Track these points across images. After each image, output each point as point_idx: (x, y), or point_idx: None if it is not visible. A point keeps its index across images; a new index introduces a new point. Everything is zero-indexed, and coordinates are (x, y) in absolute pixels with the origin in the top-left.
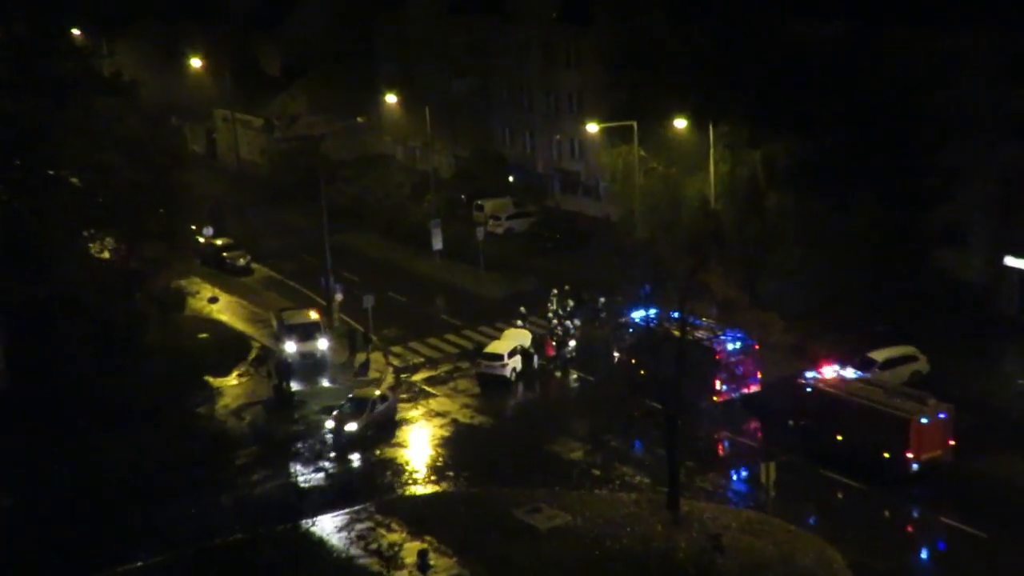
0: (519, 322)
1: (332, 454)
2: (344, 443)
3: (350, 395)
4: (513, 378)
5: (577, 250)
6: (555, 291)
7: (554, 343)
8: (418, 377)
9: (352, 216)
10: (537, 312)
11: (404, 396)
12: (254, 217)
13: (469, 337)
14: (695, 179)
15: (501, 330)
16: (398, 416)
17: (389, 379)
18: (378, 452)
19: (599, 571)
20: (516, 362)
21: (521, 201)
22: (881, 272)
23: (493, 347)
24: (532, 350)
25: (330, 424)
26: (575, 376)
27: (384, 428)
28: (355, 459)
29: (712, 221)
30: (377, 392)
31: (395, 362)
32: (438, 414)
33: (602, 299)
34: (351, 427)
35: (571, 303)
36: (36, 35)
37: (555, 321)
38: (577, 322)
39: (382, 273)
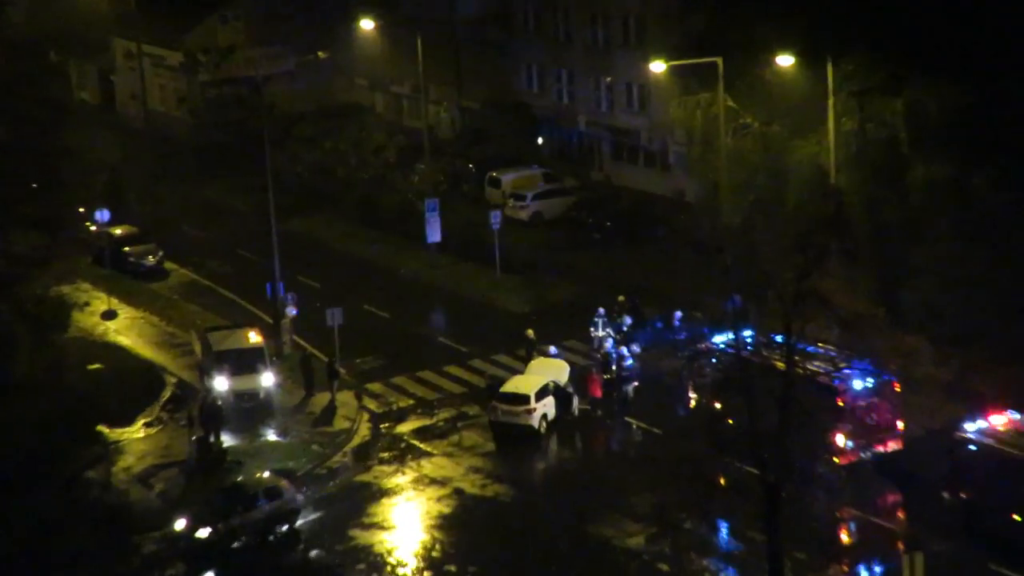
0: (551, 348)
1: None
2: (190, 554)
3: (234, 481)
4: (543, 429)
5: (636, 244)
6: (602, 309)
7: (604, 378)
8: (406, 427)
9: (312, 194)
10: (578, 334)
11: (385, 455)
12: (169, 195)
13: (479, 369)
14: (807, 141)
15: (526, 360)
16: (377, 485)
17: (364, 431)
18: (349, 536)
19: None
20: (548, 406)
21: (555, 173)
22: None
23: (515, 385)
24: (571, 389)
25: (180, 524)
26: (634, 426)
27: (271, 534)
28: (316, 547)
29: (832, 202)
30: (284, 482)
31: (372, 406)
32: (434, 481)
33: (678, 313)
34: (203, 532)
35: (627, 321)
36: None
37: (605, 347)
38: (636, 348)
39: (355, 276)
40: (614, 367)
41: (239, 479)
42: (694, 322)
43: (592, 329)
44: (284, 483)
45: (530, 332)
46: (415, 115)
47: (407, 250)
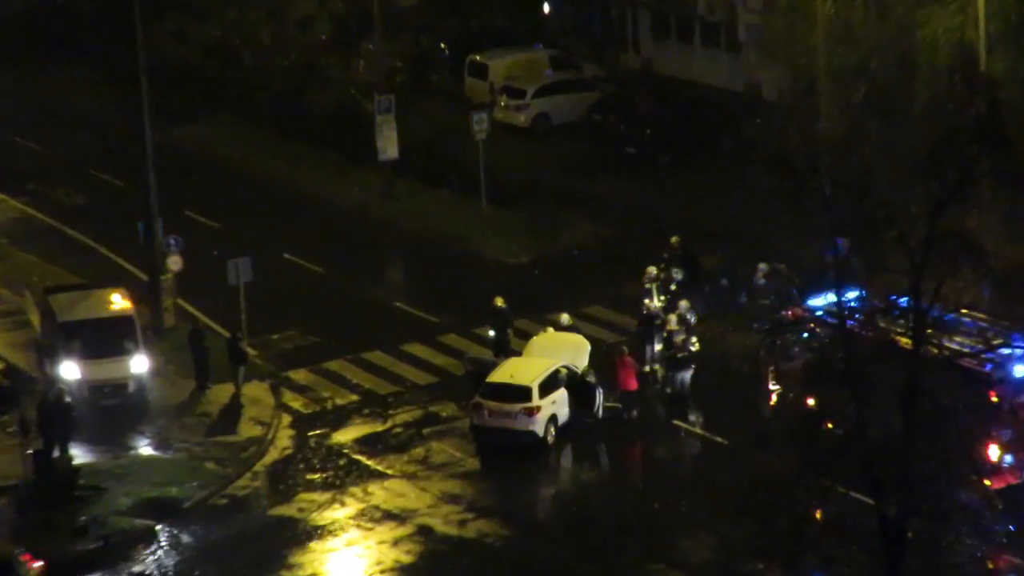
0: (563, 318)
1: None
2: None
3: None
4: (551, 438)
5: (690, 161)
6: (652, 268)
7: (645, 369)
8: (346, 436)
9: (207, 90)
10: (603, 295)
11: (315, 477)
12: None
13: (455, 349)
14: (943, 9)
15: (525, 336)
16: (304, 522)
17: (284, 441)
18: None
19: None
20: (558, 403)
21: (567, 57)
22: None
23: (509, 372)
24: (592, 378)
25: None
26: (686, 433)
27: None
28: None
29: (981, 99)
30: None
31: (296, 404)
32: (389, 516)
33: (762, 267)
34: None
35: (678, 275)
36: None
37: (672, 323)
38: (691, 315)
39: (271, 211)
40: (657, 345)
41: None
42: (777, 278)
43: (646, 299)
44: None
45: (499, 301)
46: None
47: (348, 171)
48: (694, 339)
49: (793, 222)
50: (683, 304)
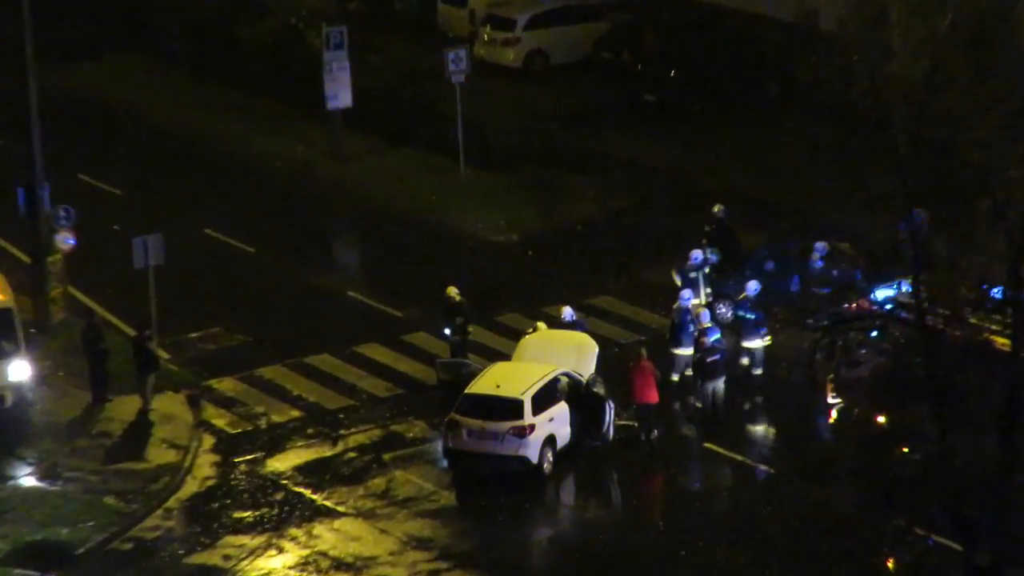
0: (564, 312)
1: None
2: None
3: None
4: (547, 465)
5: (726, 112)
6: (697, 253)
7: (678, 375)
8: (285, 463)
9: (111, 20)
10: (615, 285)
11: (246, 516)
12: None
13: (425, 352)
14: None
15: (515, 334)
16: (232, 572)
17: (206, 469)
18: None
19: None
20: (558, 421)
21: None
22: None
23: (493, 380)
24: (600, 388)
25: None
26: (722, 455)
27: None
28: None
29: None
30: None
31: (221, 423)
32: (340, 564)
33: (820, 246)
34: None
35: (713, 256)
36: None
37: (703, 322)
38: (726, 311)
39: (188, 174)
40: (681, 349)
41: None
42: (838, 261)
43: (687, 293)
44: None
45: (452, 291)
46: None
47: (288, 124)
48: (765, 332)
49: (859, 189)
50: (751, 286)
